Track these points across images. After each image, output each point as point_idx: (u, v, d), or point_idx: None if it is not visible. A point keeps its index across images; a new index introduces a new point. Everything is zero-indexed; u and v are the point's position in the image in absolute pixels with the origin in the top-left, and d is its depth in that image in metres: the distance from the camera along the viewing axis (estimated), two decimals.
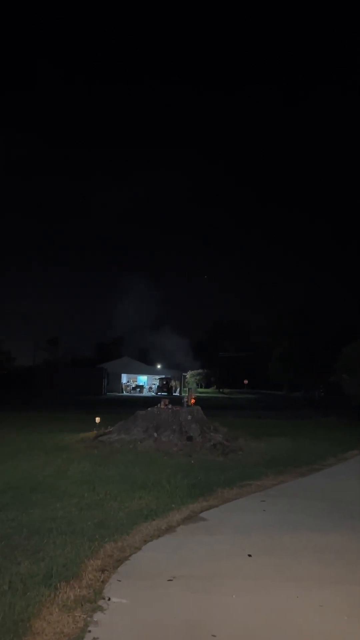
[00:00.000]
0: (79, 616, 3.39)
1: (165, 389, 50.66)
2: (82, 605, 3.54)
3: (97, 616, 3.42)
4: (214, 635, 3.22)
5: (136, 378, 59.87)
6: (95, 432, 12.76)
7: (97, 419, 13.76)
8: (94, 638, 3.15)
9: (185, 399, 13.41)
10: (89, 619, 3.38)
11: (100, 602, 3.62)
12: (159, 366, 62.93)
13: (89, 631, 3.22)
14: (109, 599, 3.68)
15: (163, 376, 55.78)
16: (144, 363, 61.32)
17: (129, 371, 58.84)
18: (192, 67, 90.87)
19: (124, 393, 53.88)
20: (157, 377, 56.87)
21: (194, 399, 13.85)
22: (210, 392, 68.05)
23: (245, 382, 73.25)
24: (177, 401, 14.47)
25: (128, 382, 58.39)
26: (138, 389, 56.02)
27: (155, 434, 11.43)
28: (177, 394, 50.66)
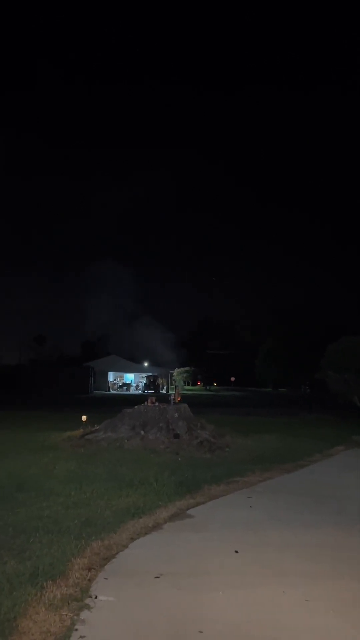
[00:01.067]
0: (66, 615, 3.38)
1: (152, 387, 50.62)
2: (68, 604, 3.53)
3: (84, 615, 3.41)
4: (201, 632, 3.23)
5: (123, 376, 59.67)
6: (81, 430, 12.71)
7: (84, 418, 13.71)
8: (80, 637, 3.14)
9: (172, 397, 13.42)
10: (75, 617, 3.37)
11: (87, 601, 3.61)
12: (145, 364, 62.79)
13: (76, 630, 3.21)
14: (96, 597, 3.67)
15: (150, 374, 55.68)
16: (131, 361, 61.16)
17: (116, 369, 58.61)
18: (192, 67, 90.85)
19: (111, 391, 53.70)
20: (144, 375, 56.73)
21: (180, 396, 13.86)
22: (197, 389, 68.22)
23: (232, 379, 73.60)
24: (164, 399, 14.48)
25: (115, 380, 58.16)
26: (125, 387, 55.84)
27: (142, 432, 11.42)
28: (164, 391, 50.63)
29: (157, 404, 12.63)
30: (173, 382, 61.66)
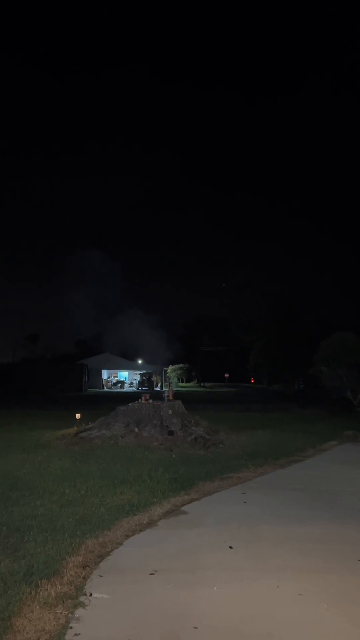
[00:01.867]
0: (60, 613, 3.38)
1: (146, 384, 50.59)
2: (63, 602, 3.53)
3: (79, 612, 3.41)
4: (196, 627, 3.24)
5: (117, 374, 59.61)
6: (75, 428, 12.69)
7: (78, 416, 13.69)
8: (75, 634, 3.15)
9: (166, 394, 13.42)
10: (70, 615, 3.37)
11: (82, 598, 3.61)
12: (139, 361, 62.75)
13: (71, 627, 3.22)
14: (91, 595, 3.67)
15: (144, 371, 55.65)
16: (125, 358, 61.08)
17: (109, 367, 58.52)
18: (192, 66, 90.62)
19: (105, 389, 53.62)
20: (138, 372, 56.68)
21: (173, 393, 13.87)
22: (191, 386, 68.23)
23: (226, 375, 73.70)
24: (158, 396, 14.48)
25: (109, 377, 58.08)
26: (119, 385, 55.79)
27: (136, 429, 11.42)
28: (158, 388, 50.64)
29: (151, 401, 12.63)
30: (167, 379, 61.66)
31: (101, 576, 4.02)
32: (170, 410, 11.89)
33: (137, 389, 50.29)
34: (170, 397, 13.34)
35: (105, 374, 57.52)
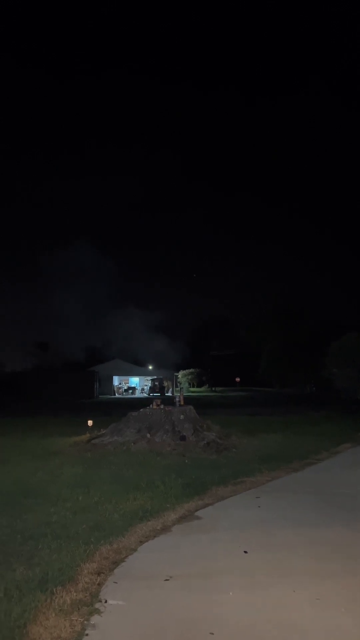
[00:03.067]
0: (76, 620, 3.37)
1: (157, 390, 50.55)
2: (78, 609, 3.53)
3: (94, 619, 3.41)
4: (212, 633, 3.22)
5: (128, 380, 59.70)
6: (88, 435, 12.71)
7: (90, 422, 13.72)
8: None
9: (177, 399, 13.41)
10: (86, 622, 3.36)
11: (97, 605, 3.60)
12: (150, 367, 62.79)
13: (87, 635, 3.21)
14: (106, 602, 3.66)
15: (155, 377, 55.66)
16: (135, 364, 61.17)
17: (120, 373, 58.65)
18: (192, 67, 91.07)
19: (116, 395, 53.71)
20: (149, 378, 56.73)
21: (183, 398, 13.86)
22: (202, 391, 68.07)
23: (237, 380, 73.42)
24: (170, 401, 14.46)
25: (120, 384, 58.20)
26: (130, 391, 55.85)
27: (148, 435, 11.41)
28: (169, 394, 50.59)
29: (162, 406, 12.62)
30: (178, 384, 61.62)
31: (116, 583, 4.01)
32: (181, 416, 11.87)
33: (148, 394, 50.27)
34: (182, 402, 13.32)
35: (116, 380, 57.65)
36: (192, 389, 68.40)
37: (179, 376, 69.43)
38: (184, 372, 73.45)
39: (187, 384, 71.51)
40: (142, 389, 56.99)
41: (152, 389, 51.78)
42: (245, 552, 4.69)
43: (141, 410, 12.42)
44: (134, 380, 59.91)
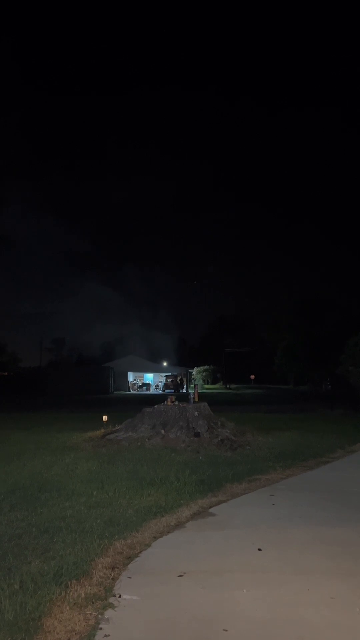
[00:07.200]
0: (90, 614, 3.40)
1: (173, 386, 50.63)
2: (93, 602, 3.55)
3: (108, 613, 3.43)
4: (226, 630, 3.22)
5: (143, 376, 59.90)
6: (102, 430, 12.79)
7: (105, 418, 13.78)
8: (105, 635, 3.16)
9: (192, 396, 13.41)
10: (100, 616, 3.38)
11: (111, 600, 3.62)
12: (165, 363, 62.90)
13: (100, 628, 3.23)
14: (120, 596, 3.68)
15: (169, 373, 55.74)
16: (150, 361, 61.34)
17: (135, 369, 58.87)
18: (196, 74, 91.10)
19: (131, 391, 53.95)
20: (164, 374, 56.84)
21: (198, 395, 13.85)
22: (217, 388, 68.00)
23: (252, 377, 73.15)
24: (184, 398, 14.47)
25: (135, 380, 58.43)
26: (145, 387, 56.04)
27: (163, 431, 11.44)
28: (184, 390, 50.64)
29: (176, 403, 12.64)
30: (192, 381, 61.63)
31: (130, 577, 4.03)
32: (196, 412, 11.86)
33: (163, 391, 50.39)
34: (196, 399, 13.32)
35: (131, 376, 57.90)
36: (206, 386, 68.36)
37: (194, 373, 69.40)
38: (199, 369, 73.42)
39: (201, 381, 71.48)
40: (157, 385, 57.14)
41: (166, 386, 51.90)
42: (260, 549, 4.67)
43: (155, 406, 12.45)
44: (149, 377, 60.09)
